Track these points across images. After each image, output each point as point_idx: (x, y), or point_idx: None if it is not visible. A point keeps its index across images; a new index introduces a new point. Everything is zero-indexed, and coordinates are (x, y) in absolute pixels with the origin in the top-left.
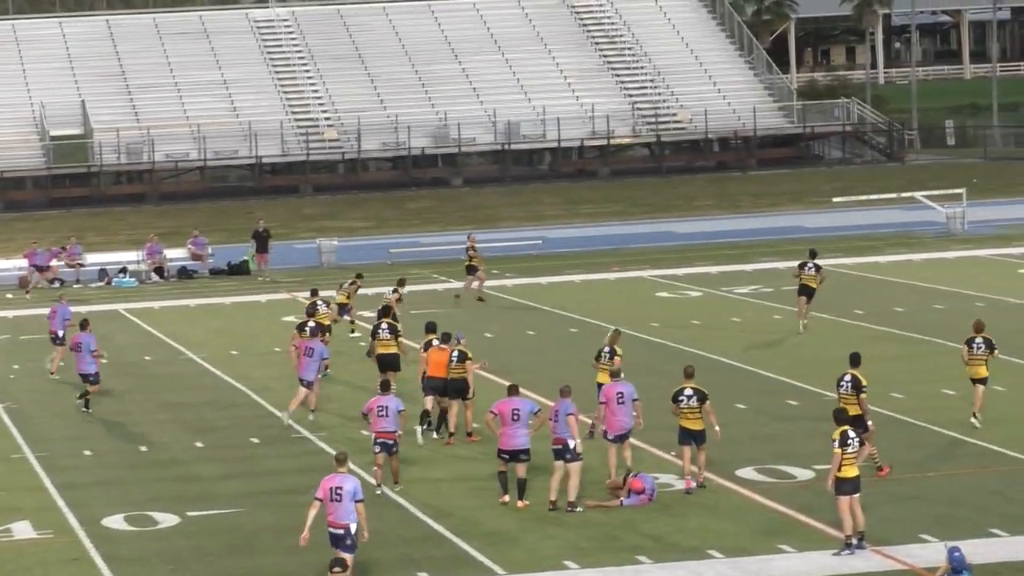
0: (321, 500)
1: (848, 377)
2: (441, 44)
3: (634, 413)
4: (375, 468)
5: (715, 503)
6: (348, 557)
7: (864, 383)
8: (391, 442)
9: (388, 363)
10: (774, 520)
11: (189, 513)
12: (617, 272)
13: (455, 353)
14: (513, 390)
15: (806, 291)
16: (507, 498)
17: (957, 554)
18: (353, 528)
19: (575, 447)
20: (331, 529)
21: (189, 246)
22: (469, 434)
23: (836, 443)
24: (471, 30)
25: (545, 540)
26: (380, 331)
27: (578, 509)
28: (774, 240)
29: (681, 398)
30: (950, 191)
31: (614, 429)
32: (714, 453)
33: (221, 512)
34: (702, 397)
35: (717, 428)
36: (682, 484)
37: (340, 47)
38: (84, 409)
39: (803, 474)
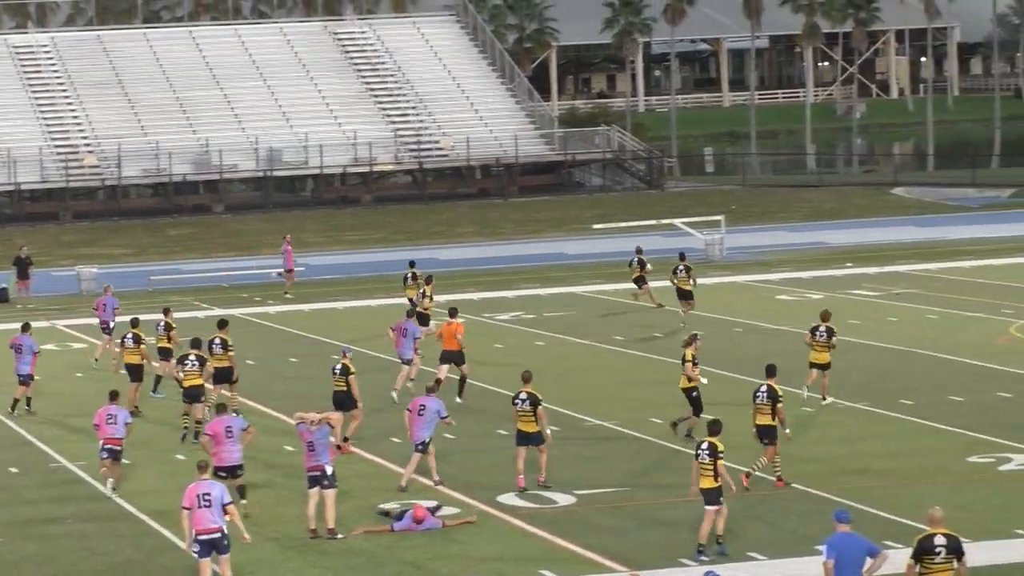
0: (189, 508)
1: (764, 388)
2: (202, 70)
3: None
4: (102, 470)
5: (477, 529)
6: (224, 559)
7: (780, 393)
8: (118, 448)
9: (135, 371)
10: (535, 545)
11: None
12: (380, 299)
13: (339, 366)
14: (221, 408)
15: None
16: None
17: None
18: (226, 530)
19: (332, 473)
20: (202, 536)
21: None
22: (346, 439)
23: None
24: (232, 56)
25: (307, 568)
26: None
27: (339, 536)
28: (536, 267)
29: (516, 402)
30: (709, 218)
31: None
32: (477, 478)
33: None
34: (534, 401)
35: (548, 432)
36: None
37: (100, 73)
38: (27, 408)
39: (564, 499)
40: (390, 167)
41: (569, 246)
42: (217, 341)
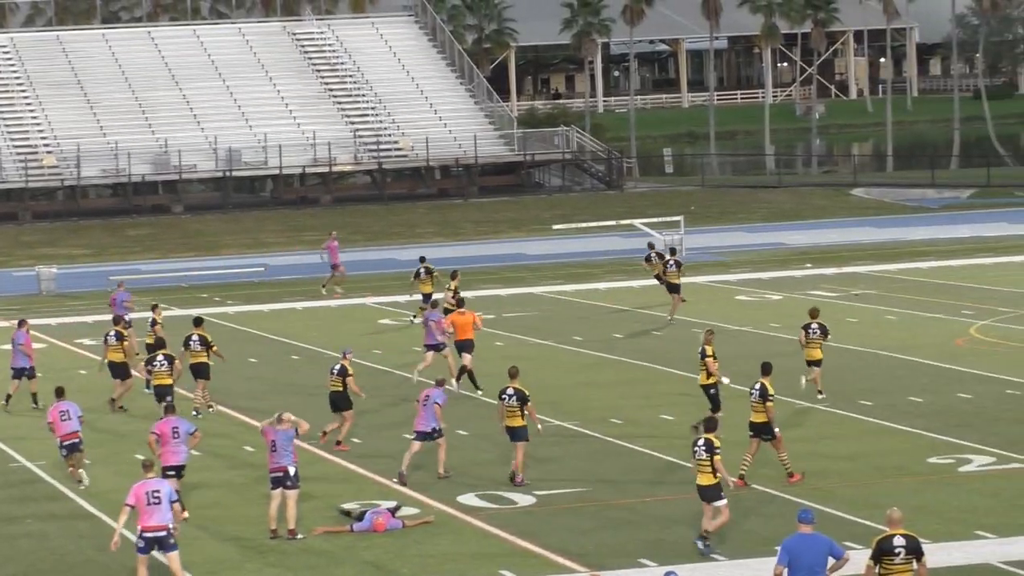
0: (133, 506)
1: (758, 386)
2: (161, 70)
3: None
4: (69, 470)
5: (436, 530)
6: (174, 555)
7: (771, 392)
8: (77, 440)
9: (116, 371)
10: (495, 545)
11: None
12: (340, 299)
13: (337, 367)
14: (170, 409)
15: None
16: (186, 514)
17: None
18: (172, 527)
19: (295, 474)
20: (148, 534)
21: None
22: (338, 443)
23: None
24: (191, 56)
25: (267, 568)
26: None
27: (299, 536)
28: (495, 267)
29: (504, 397)
30: (668, 218)
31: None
32: (436, 480)
33: None
34: (522, 397)
35: (539, 427)
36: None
37: (59, 73)
38: (33, 405)
39: (524, 500)
40: (349, 167)
41: (529, 246)
42: (195, 338)
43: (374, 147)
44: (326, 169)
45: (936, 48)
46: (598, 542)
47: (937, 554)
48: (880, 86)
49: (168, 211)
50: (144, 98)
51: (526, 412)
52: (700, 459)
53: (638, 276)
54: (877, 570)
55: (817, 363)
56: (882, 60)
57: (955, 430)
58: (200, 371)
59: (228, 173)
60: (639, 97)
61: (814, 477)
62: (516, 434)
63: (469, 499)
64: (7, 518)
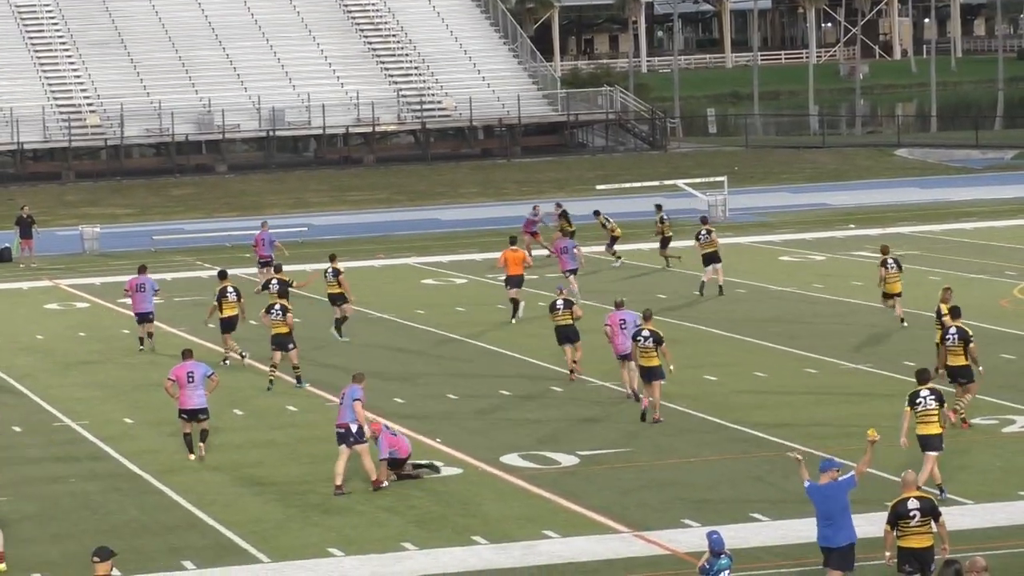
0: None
1: (953, 330)
2: (204, 30)
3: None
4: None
5: (479, 490)
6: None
7: (970, 333)
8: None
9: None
10: (538, 506)
11: None
12: (383, 259)
13: (560, 301)
14: (187, 354)
15: (893, 294)
16: (193, 456)
17: (715, 536)
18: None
19: (358, 430)
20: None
21: None
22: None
23: (907, 402)
24: (234, 16)
25: (309, 528)
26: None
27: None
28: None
29: (639, 339)
30: (712, 179)
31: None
32: (479, 440)
33: None
34: (657, 339)
35: (671, 368)
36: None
37: (102, 32)
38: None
39: (567, 460)
40: (392, 127)
41: (572, 207)
42: (230, 289)
43: (417, 107)
44: (369, 129)
45: (980, 8)
46: (641, 502)
47: (979, 514)
48: (924, 47)
49: (211, 171)
50: (187, 57)
51: (661, 352)
52: (928, 409)
53: (682, 237)
54: (895, 534)
55: (897, 295)
56: (926, 20)
57: (999, 391)
58: (229, 324)
59: (271, 133)
60: (683, 57)
61: (859, 439)
62: (652, 373)
63: (512, 459)
64: (51, 478)
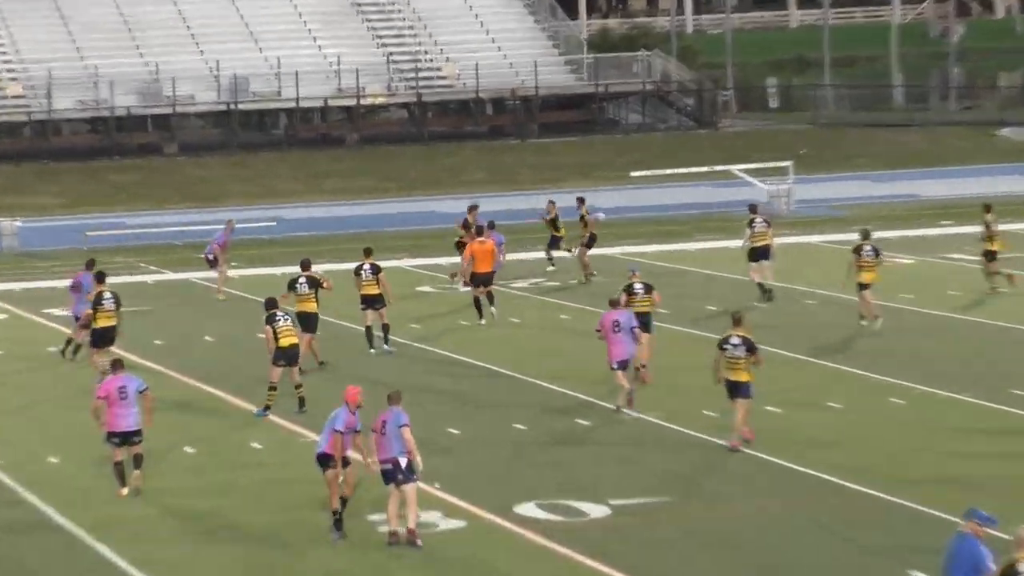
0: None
1: None
2: None
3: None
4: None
5: (488, 548)
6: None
7: None
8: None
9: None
10: (560, 568)
11: None
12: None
13: (638, 284)
14: (117, 365)
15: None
16: (125, 491)
17: None
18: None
19: (407, 466)
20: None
21: None
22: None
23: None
24: None
25: None
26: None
27: (419, 543)
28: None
29: (726, 346)
30: (773, 164)
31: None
32: (487, 486)
33: None
34: (750, 346)
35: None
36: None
37: None
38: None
39: (596, 511)
40: (381, 100)
41: (601, 198)
42: (108, 295)
43: (411, 75)
44: (352, 102)
45: None
46: (687, 563)
47: None
48: None
49: (159, 152)
50: (131, 15)
51: (753, 362)
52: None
53: (736, 235)
54: None
55: (865, 286)
56: None
57: None
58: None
59: (233, 106)
60: (737, 15)
61: (944, 485)
62: (739, 389)
63: (528, 509)
64: None
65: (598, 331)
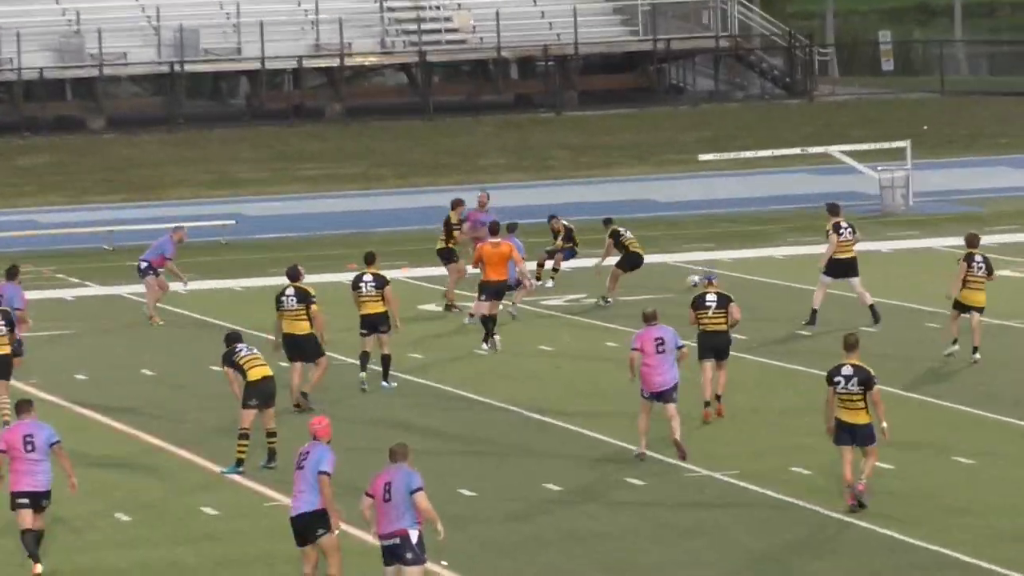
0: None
1: None
2: None
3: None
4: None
5: None
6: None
7: None
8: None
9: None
10: None
11: None
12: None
13: (711, 296)
14: (23, 408)
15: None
16: (39, 568)
17: None
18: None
19: (419, 541)
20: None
21: None
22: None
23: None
24: None
25: None
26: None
27: None
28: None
29: (838, 379)
30: (887, 144)
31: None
32: (508, 564)
33: None
34: (866, 380)
35: (885, 425)
36: None
37: None
38: None
39: None
40: (373, 60)
41: (660, 189)
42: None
43: (412, 28)
44: (335, 63)
45: None
46: None
47: None
48: None
49: (82, 127)
50: None
51: (871, 400)
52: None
53: (808, 234)
54: None
55: (978, 309)
56: None
57: None
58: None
59: (178, 68)
60: None
61: None
62: (857, 435)
63: None
64: None
65: (637, 349)
